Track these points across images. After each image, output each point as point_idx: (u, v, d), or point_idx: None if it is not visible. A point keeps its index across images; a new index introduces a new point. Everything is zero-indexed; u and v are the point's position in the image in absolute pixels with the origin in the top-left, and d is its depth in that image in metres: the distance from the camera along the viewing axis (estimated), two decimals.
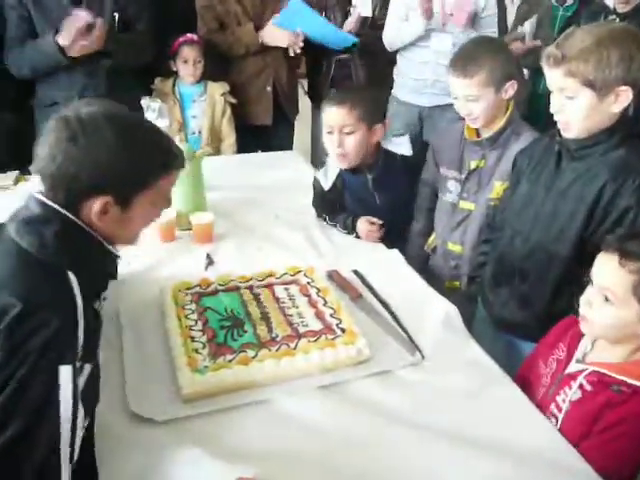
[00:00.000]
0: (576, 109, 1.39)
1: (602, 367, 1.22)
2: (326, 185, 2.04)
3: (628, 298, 1.17)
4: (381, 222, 1.97)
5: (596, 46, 1.32)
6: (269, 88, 2.93)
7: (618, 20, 3.06)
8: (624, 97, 1.34)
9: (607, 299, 1.20)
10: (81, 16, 2.32)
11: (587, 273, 1.31)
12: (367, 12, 2.98)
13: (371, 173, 1.99)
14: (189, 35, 2.76)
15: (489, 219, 1.82)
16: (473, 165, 1.86)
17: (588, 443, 1.19)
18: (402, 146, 2.03)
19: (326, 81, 3.10)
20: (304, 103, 3.32)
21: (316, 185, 2.10)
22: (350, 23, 2.98)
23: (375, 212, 1.98)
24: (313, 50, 3.01)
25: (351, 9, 3.01)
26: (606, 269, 1.21)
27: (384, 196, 2.01)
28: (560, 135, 1.48)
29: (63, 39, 2.35)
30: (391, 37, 2.90)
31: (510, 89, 1.77)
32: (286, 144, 3.02)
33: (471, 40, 1.96)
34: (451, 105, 1.90)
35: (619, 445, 1.17)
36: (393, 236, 1.99)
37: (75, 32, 2.33)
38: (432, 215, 2.03)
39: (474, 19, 2.85)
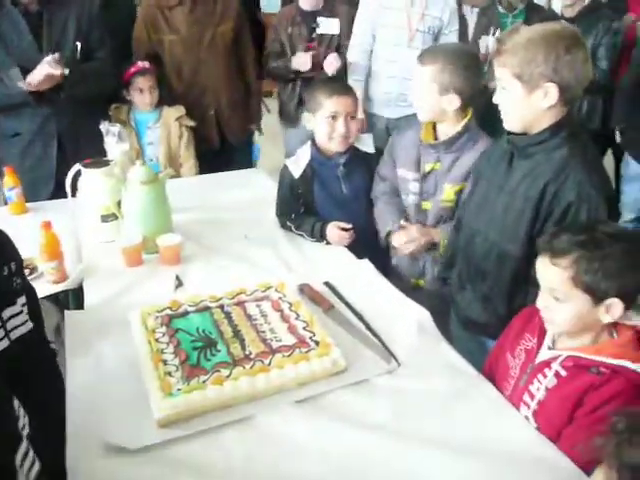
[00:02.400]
0: (508, 99, 1.48)
1: (577, 351, 1.24)
2: (297, 173, 2.10)
3: (573, 291, 1.21)
4: (351, 226, 2.01)
5: (527, 43, 1.40)
6: (211, 112, 2.90)
7: None
8: (552, 94, 1.40)
9: (557, 298, 1.24)
10: (48, 66, 2.31)
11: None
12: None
13: (342, 158, 2.07)
14: (140, 64, 2.70)
15: (442, 220, 1.90)
16: (428, 168, 1.91)
17: (573, 428, 1.20)
18: (365, 143, 2.13)
19: (293, 100, 3.14)
20: (269, 122, 3.33)
21: (285, 175, 2.13)
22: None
23: (341, 201, 2.09)
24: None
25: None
26: (544, 271, 1.26)
27: (350, 185, 2.09)
28: (509, 134, 1.53)
29: (30, 85, 2.33)
30: (355, 62, 2.95)
31: (455, 101, 1.81)
32: (244, 165, 2.97)
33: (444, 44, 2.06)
34: (416, 115, 1.95)
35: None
36: (361, 226, 2.04)
37: (43, 79, 2.33)
38: (390, 206, 2.04)
39: (437, 35, 2.93)
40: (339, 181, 2.08)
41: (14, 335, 1.15)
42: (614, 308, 1.20)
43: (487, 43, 3.20)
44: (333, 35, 3.07)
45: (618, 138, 3.20)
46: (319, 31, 3.05)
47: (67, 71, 2.37)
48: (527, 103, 1.43)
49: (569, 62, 1.38)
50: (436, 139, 1.91)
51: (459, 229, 1.76)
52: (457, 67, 1.79)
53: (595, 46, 3.14)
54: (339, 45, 3.09)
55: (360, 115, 2.76)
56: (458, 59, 1.81)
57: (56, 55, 2.34)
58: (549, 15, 3.31)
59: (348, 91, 2.06)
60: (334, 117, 2.00)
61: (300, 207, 2.12)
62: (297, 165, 2.11)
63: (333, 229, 2.01)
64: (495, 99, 1.51)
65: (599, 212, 1.39)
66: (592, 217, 1.39)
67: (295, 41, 3.08)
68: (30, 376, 1.15)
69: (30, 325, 1.19)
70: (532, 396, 1.29)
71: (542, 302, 1.28)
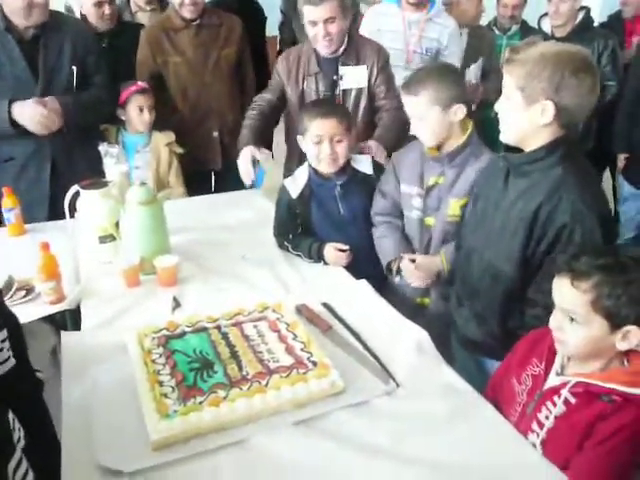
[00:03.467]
0: (508, 109, 1.47)
1: (587, 377, 1.22)
2: (294, 193, 2.10)
3: (591, 315, 1.19)
4: (348, 247, 2.01)
5: (539, 57, 1.39)
6: (215, 133, 2.90)
7: None
8: (548, 112, 1.39)
9: (573, 320, 1.22)
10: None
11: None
12: None
13: (339, 180, 2.06)
14: (140, 83, 2.69)
15: (449, 236, 1.88)
16: (432, 181, 1.90)
17: (582, 457, 1.18)
18: (363, 164, 2.11)
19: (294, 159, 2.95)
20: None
21: (283, 195, 2.13)
22: None
23: (339, 222, 2.08)
24: None
25: None
26: (563, 292, 1.24)
27: (347, 206, 2.08)
28: (506, 150, 1.53)
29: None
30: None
31: (459, 112, 1.80)
32: (242, 187, 2.97)
33: (424, 65, 2.00)
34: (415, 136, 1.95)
35: (617, 457, 1.17)
36: (358, 247, 2.03)
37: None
38: (392, 226, 2.03)
39: (436, 57, 2.93)
40: (336, 202, 2.08)
41: None
42: (632, 335, 1.18)
43: (474, 72, 3.23)
44: (361, 89, 2.43)
45: (620, 164, 3.22)
46: (343, 85, 2.42)
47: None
48: (524, 116, 1.42)
49: (573, 85, 1.36)
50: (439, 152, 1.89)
51: (459, 247, 1.75)
52: (449, 79, 1.80)
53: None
54: (371, 98, 2.45)
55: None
56: (445, 73, 1.84)
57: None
58: (541, 36, 3.34)
59: (333, 113, 2.00)
60: (319, 140, 1.99)
61: (298, 227, 2.12)
62: (295, 185, 2.11)
63: (330, 250, 2.01)
64: (496, 106, 1.50)
65: (594, 234, 1.38)
66: (586, 239, 1.37)
67: (308, 99, 2.46)
68: (12, 407, 1.12)
69: (13, 362, 1.16)
70: (541, 424, 1.27)
71: (555, 322, 1.26)
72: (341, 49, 2.39)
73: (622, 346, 1.20)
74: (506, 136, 1.50)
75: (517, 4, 3.55)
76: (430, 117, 1.80)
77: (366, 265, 2.01)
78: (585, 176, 1.46)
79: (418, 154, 1.95)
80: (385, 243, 2.01)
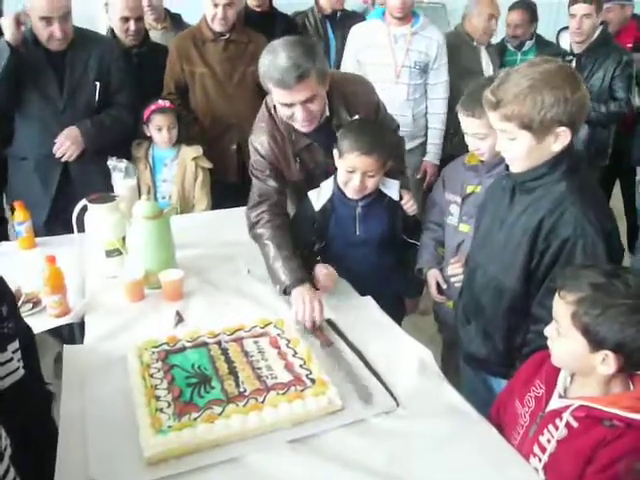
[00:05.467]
0: (518, 150, 1.42)
1: (590, 401, 1.18)
2: (317, 206, 2.07)
3: (570, 329, 1.18)
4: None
5: (530, 89, 1.33)
6: (234, 147, 2.93)
7: (575, 60, 3.15)
8: (564, 137, 1.36)
9: (558, 332, 1.21)
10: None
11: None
12: None
13: (362, 201, 2.03)
14: (160, 102, 2.71)
15: None
16: (469, 190, 1.91)
17: None
18: (392, 189, 2.07)
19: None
20: None
21: (307, 206, 2.09)
22: None
23: (353, 242, 2.05)
24: None
25: None
26: (555, 302, 1.23)
27: (364, 228, 2.05)
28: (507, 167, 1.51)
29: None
30: None
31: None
32: None
33: (481, 82, 1.83)
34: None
35: None
36: (366, 268, 2.02)
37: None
38: (434, 235, 2.08)
39: (425, 69, 2.94)
40: (355, 222, 2.04)
41: (4, 384, 1.11)
42: (608, 361, 1.16)
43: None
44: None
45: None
46: None
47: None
48: (538, 150, 1.39)
49: (577, 101, 1.34)
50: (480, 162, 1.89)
51: (467, 263, 1.74)
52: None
53: (611, 79, 3.14)
54: None
55: None
56: None
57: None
58: (556, 51, 3.32)
59: (373, 151, 1.89)
60: (352, 170, 1.94)
61: (312, 244, 2.09)
62: (319, 198, 2.07)
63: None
64: (498, 148, 1.47)
65: (596, 249, 1.36)
66: (588, 254, 1.35)
67: (309, 172, 2.10)
68: (21, 417, 1.12)
69: (22, 372, 1.16)
70: (543, 448, 1.23)
71: (548, 331, 1.26)
72: (326, 113, 1.99)
73: (602, 370, 1.17)
74: (517, 169, 1.47)
75: (518, 24, 3.54)
76: (490, 137, 1.76)
77: (373, 287, 1.96)
78: (589, 191, 1.44)
79: (461, 164, 1.97)
80: (423, 250, 2.08)
